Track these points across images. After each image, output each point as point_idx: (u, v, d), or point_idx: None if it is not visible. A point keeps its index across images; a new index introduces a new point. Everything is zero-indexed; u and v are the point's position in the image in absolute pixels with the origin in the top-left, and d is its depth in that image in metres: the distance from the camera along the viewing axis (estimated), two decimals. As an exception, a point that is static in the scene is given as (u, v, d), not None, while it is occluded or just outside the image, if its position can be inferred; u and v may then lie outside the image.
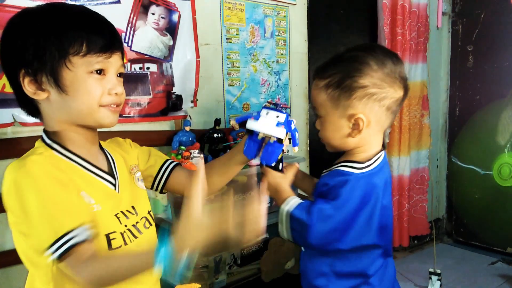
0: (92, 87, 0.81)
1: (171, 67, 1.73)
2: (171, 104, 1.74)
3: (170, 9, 1.70)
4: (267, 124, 0.95)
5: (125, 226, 0.89)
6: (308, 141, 2.33)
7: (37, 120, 0.88)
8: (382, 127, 1.01)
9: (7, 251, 1.38)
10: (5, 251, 1.38)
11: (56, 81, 0.79)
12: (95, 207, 0.83)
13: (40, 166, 0.76)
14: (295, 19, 2.21)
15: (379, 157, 1.02)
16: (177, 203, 1.35)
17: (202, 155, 1.43)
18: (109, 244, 0.83)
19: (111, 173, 0.92)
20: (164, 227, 1.44)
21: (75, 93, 0.81)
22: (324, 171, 1.08)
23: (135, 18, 1.60)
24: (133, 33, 1.60)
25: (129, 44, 1.60)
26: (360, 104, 0.96)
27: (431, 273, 2.37)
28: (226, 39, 1.92)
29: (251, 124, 0.96)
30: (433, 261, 2.55)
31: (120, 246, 0.85)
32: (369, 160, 1.00)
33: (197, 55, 1.79)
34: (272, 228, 1.09)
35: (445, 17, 3.05)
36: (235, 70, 1.95)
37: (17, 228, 0.78)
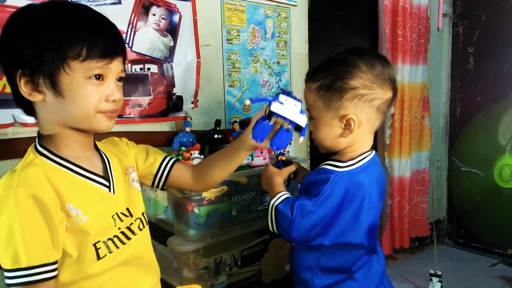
0: (89, 93, 0.80)
1: (171, 68, 1.73)
2: (172, 105, 1.73)
3: (170, 10, 1.70)
4: (292, 111, 0.95)
5: (119, 228, 0.89)
6: (309, 142, 2.33)
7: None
8: (372, 127, 1.06)
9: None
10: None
11: (53, 84, 0.78)
12: (83, 218, 0.81)
13: (28, 188, 0.75)
14: (296, 20, 2.21)
15: (366, 157, 1.06)
16: (177, 204, 1.35)
17: (202, 156, 1.43)
18: (97, 254, 0.83)
19: (105, 175, 0.91)
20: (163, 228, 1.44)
21: (71, 98, 0.79)
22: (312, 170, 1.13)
23: (135, 19, 1.60)
24: (134, 34, 1.60)
25: (130, 45, 1.59)
26: (351, 104, 1.00)
27: (431, 275, 2.36)
28: (227, 40, 1.91)
29: (277, 108, 0.94)
30: (433, 263, 2.55)
31: (105, 255, 0.85)
32: (353, 159, 1.04)
33: (198, 56, 1.79)
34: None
35: (446, 19, 3.05)
36: (235, 71, 1.95)
37: None
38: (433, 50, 2.90)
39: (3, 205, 0.74)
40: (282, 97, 0.95)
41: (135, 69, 1.63)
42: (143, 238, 0.96)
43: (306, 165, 2.24)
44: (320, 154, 1.13)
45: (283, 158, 1.26)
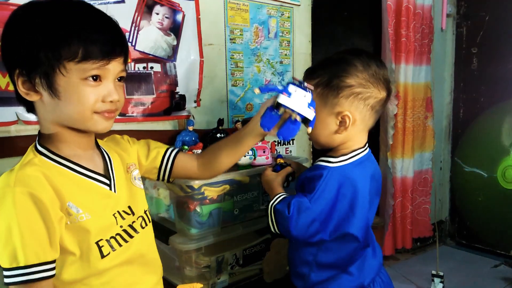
0: (85, 94, 0.78)
1: (174, 67, 1.73)
2: (175, 103, 1.74)
3: (174, 9, 1.70)
4: (300, 103, 0.95)
5: (121, 227, 0.89)
6: (311, 142, 2.33)
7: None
8: (366, 126, 1.10)
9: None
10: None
11: (49, 84, 0.77)
12: (83, 216, 0.81)
13: (26, 186, 0.75)
14: (299, 20, 2.21)
15: (359, 153, 1.09)
16: (180, 203, 1.36)
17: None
18: (101, 252, 0.83)
19: (106, 174, 0.91)
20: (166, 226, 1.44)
21: (67, 99, 0.78)
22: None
23: (139, 17, 1.60)
24: (137, 33, 1.60)
25: (133, 44, 1.60)
26: (346, 102, 1.04)
27: (433, 276, 2.36)
28: (230, 39, 1.92)
29: (284, 100, 0.94)
30: (435, 264, 2.54)
31: (108, 253, 0.85)
32: (345, 155, 1.07)
33: (201, 55, 1.80)
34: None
35: (450, 19, 3.04)
36: (238, 70, 1.95)
37: None
38: (437, 51, 2.89)
39: (1, 204, 0.74)
40: (291, 88, 0.95)
41: (138, 68, 1.63)
42: (146, 236, 0.96)
43: (308, 164, 2.24)
44: (322, 154, 1.14)
45: (281, 161, 1.28)
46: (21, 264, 0.73)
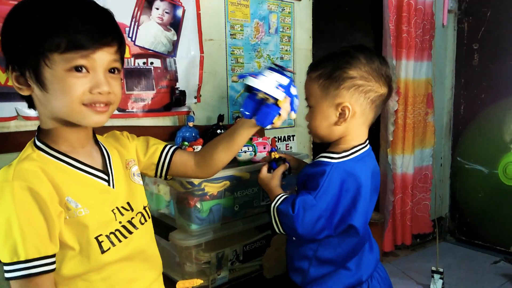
0: (70, 85, 0.76)
1: (175, 63, 1.72)
2: (175, 99, 1.73)
3: (174, 4, 1.69)
4: (267, 84, 0.93)
5: (120, 222, 0.89)
6: (311, 138, 2.32)
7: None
8: (366, 120, 1.10)
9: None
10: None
11: (37, 77, 0.76)
12: (82, 211, 0.81)
13: (24, 181, 0.74)
14: (300, 16, 2.20)
15: (359, 149, 1.09)
16: (180, 199, 1.35)
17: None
18: (101, 247, 0.83)
19: (105, 169, 0.91)
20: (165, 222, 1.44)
21: (54, 91, 0.77)
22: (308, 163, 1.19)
23: (139, 12, 1.59)
24: (137, 28, 1.60)
25: (133, 39, 1.59)
26: (347, 93, 1.05)
27: (433, 272, 2.36)
28: (231, 34, 1.91)
29: (250, 81, 0.94)
30: (435, 260, 2.55)
31: (109, 249, 0.85)
32: (346, 151, 1.08)
33: (201, 51, 1.79)
34: (274, 225, 1.11)
35: (451, 15, 3.02)
36: (239, 66, 1.95)
37: None
38: (438, 47, 2.88)
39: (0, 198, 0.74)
40: (267, 72, 0.95)
41: (138, 63, 1.62)
42: (146, 232, 0.96)
43: (309, 161, 2.23)
44: (323, 150, 1.14)
45: (276, 154, 1.27)
46: (22, 259, 0.73)
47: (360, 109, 1.06)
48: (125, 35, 1.56)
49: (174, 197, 1.39)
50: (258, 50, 2.01)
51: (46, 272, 0.76)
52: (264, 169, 1.24)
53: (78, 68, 0.77)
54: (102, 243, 0.83)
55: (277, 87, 0.93)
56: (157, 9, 1.65)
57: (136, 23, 1.59)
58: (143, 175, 1.05)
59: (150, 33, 1.63)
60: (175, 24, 1.70)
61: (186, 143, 1.49)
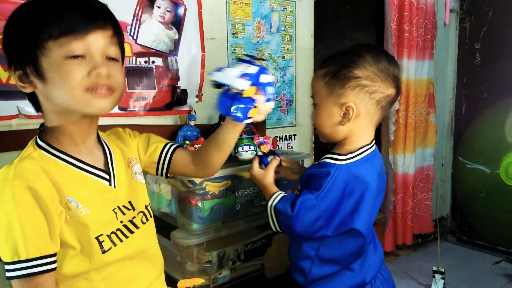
0: (68, 70, 0.76)
1: (176, 61, 1.72)
2: (176, 98, 1.73)
3: (176, 3, 1.69)
4: (229, 75, 0.87)
5: (121, 222, 0.89)
6: (313, 138, 2.32)
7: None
8: (371, 120, 1.08)
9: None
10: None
11: (36, 70, 0.77)
12: (83, 211, 0.81)
13: (24, 180, 0.74)
14: (301, 14, 2.19)
15: (365, 150, 1.08)
16: (181, 198, 1.35)
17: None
18: (101, 247, 0.83)
19: (106, 168, 0.91)
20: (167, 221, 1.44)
21: (53, 80, 0.77)
22: (313, 163, 1.16)
23: (140, 11, 1.59)
24: (139, 27, 1.59)
25: (135, 38, 1.59)
26: (352, 93, 1.03)
27: (434, 272, 2.36)
28: (232, 33, 1.90)
29: (213, 75, 0.89)
30: (436, 260, 2.54)
31: (110, 248, 0.85)
32: (352, 152, 1.06)
33: (203, 50, 1.79)
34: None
35: (453, 14, 3.02)
36: (240, 65, 1.94)
37: None
38: (440, 46, 2.88)
39: (0, 197, 0.74)
40: (235, 64, 0.91)
41: (139, 62, 1.62)
42: (147, 231, 0.96)
43: (310, 160, 2.23)
44: (325, 149, 1.13)
45: (265, 148, 1.24)
46: (22, 258, 0.73)
47: (365, 109, 1.05)
48: (127, 34, 1.56)
49: (175, 196, 1.39)
50: (260, 49, 2.01)
51: (47, 272, 0.76)
52: (256, 164, 1.21)
53: (75, 57, 0.77)
54: (103, 243, 0.83)
55: (240, 77, 0.87)
56: (159, 7, 1.64)
57: (138, 22, 1.59)
58: (144, 173, 1.05)
59: (151, 31, 1.63)
60: (177, 23, 1.70)
61: (187, 142, 1.49)
